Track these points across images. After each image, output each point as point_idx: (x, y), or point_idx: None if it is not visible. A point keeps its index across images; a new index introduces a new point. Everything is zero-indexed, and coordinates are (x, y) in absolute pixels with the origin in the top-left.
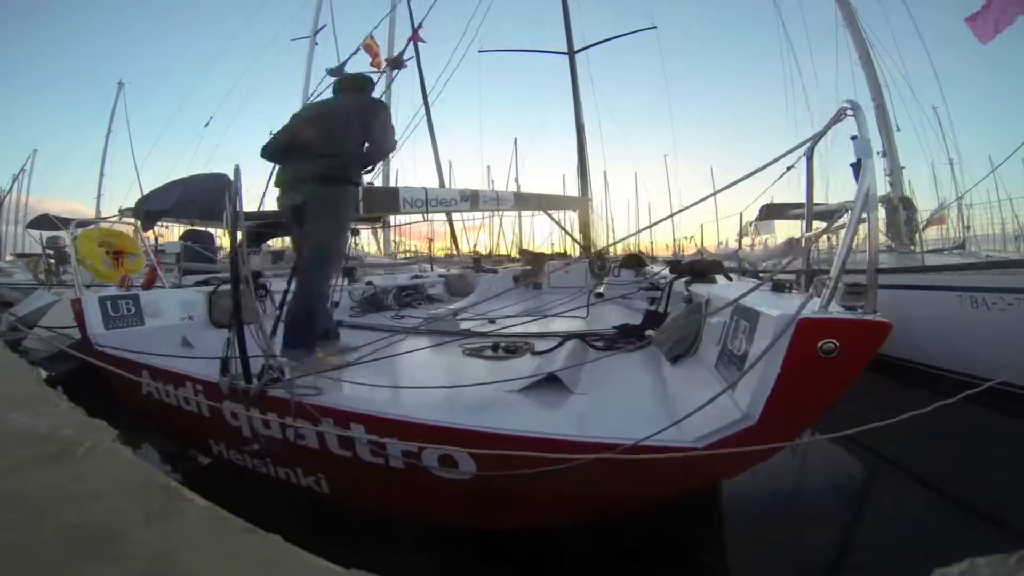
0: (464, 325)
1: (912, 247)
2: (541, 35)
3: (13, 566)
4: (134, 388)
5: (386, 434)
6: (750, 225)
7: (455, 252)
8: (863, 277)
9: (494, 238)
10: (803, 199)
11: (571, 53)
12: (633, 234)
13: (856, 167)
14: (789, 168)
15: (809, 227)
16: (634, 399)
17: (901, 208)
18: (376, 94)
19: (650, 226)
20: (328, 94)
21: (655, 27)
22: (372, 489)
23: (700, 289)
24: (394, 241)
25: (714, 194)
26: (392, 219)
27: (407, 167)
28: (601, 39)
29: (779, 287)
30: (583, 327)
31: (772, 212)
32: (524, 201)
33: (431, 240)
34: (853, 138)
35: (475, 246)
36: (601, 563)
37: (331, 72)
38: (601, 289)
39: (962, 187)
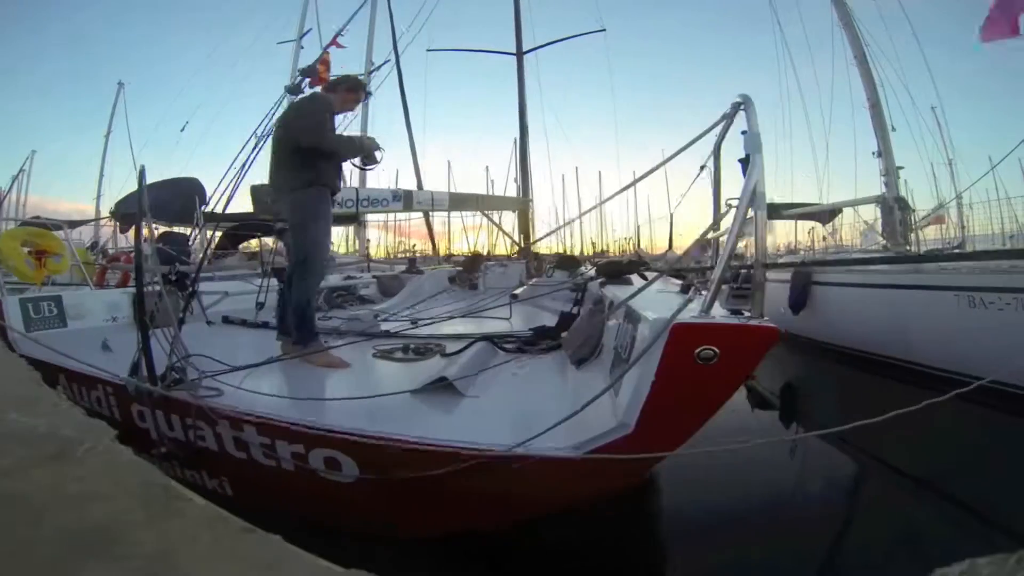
0: (386, 326)
1: (908, 247)
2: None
3: (12, 566)
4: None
5: (276, 436)
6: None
7: (433, 253)
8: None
9: (493, 238)
10: (802, 199)
11: (519, 54)
12: (553, 231)
13: (744, 162)
14: (703, 167)
15: (718, 226)
16: (527, 403)
17: (896, 208)
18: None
19: (568, 223)
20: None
21: (604, 30)
22: (269, 491)
23: (611, 291)
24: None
25: (627, 188)
26: (393, 219)
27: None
28: (549, 40)
29: (687, 288)
30: (505, 328)
31: (769, 212)
32: (461, 202)
33: (368, 241)
34: (743, 132)
35: (475, 245)
36: (584, 561)
37: (289, 89)
38: (518, 291)
39: (960, 187)
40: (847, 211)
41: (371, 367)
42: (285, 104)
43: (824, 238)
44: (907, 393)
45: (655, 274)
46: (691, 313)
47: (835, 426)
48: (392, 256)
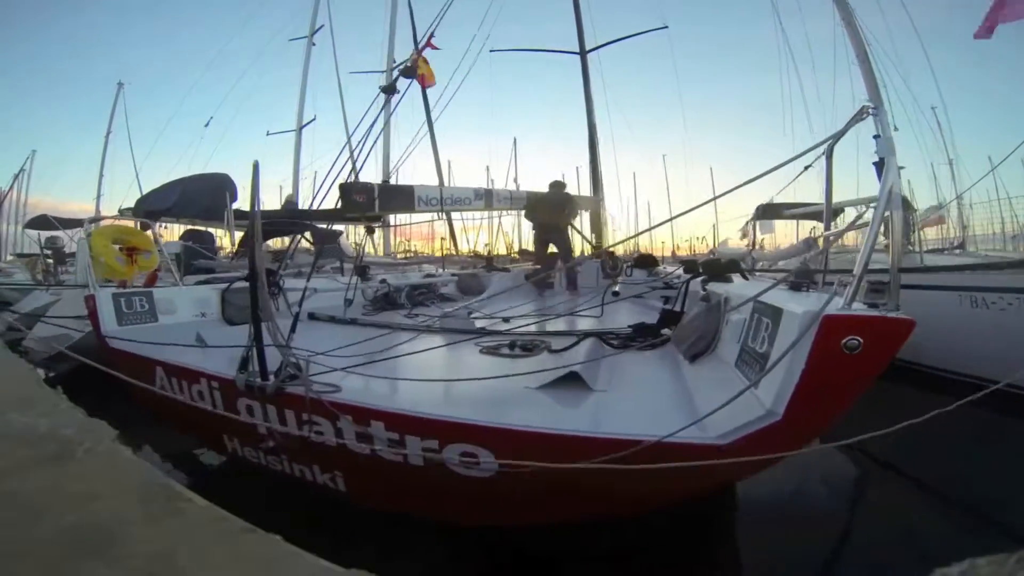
0: (478, 324)
1: (910, 247)
2: (543, 35)
3: (13, 566)
4: (149, 384)
5: (406, 431)
6: (747, 225)
7: (454, 252)
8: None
9: (494, 238)
10: (799, 199)
11: (583, 53)
12: (640, 232)
13: (879, 166)
14: (807, 167)
15: (828, 226)
16: (655, 397)
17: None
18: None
19: (655, 226)
20: (328, 99)
21: (666, 27)
22: (390, 487)
23: (717, 288)
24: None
25: (716, 197)
26: (392, 219)
27: (405, 168)
28: (613, 39)
29: (796, 286)
30: (598, 326)
31: (768, 212)
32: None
33: (443, 239)
34: (876, 137)
35: (475, 246)
36: (596, 562)
37: (384, 89)
38: (617, 288)
39: (961, 187)
40: (848, 211)
41: (480, 363)
42: (380, 102)
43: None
44: (909, 394)
45: (753, 273)
46: (834, 307)
47: (844, 431)
48: (393, 256)
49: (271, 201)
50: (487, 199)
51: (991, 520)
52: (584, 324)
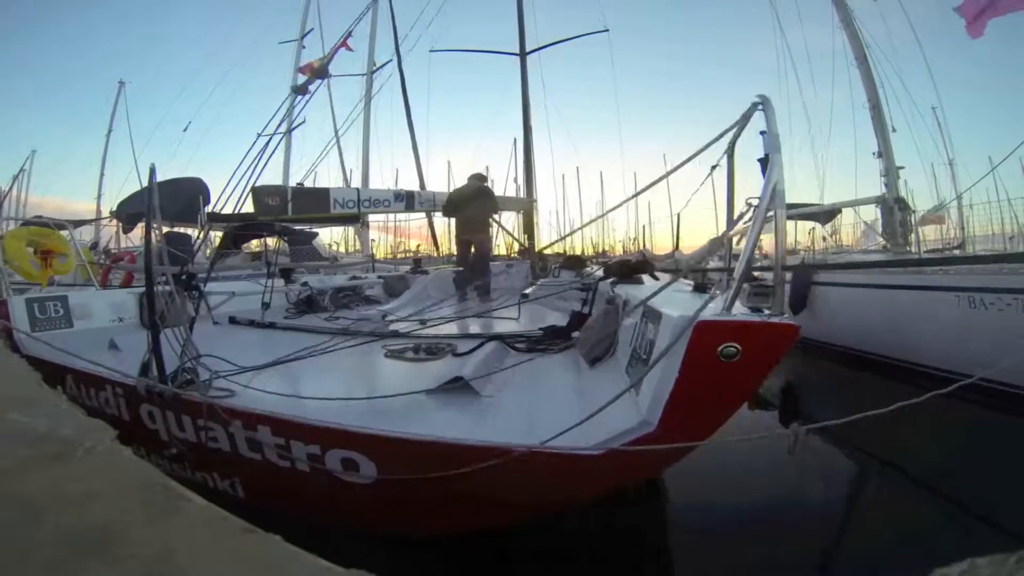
0: (395, 326)
1: (908, 248)
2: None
3: (13, 566)
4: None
5: (291, 436)
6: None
7: (436, 253)
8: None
9: (493, 238)
10: (798, 199)
11: (523, 54)
12: (567, 234)
13: (763, 162)
14: (714, 167)
15: (731, 225)
16: (543, 402)
17: (896, 209)
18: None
19: (580, 228)
20: (317, 101)
21: (607, 30)
22: (283, 492)
23: (623, 290)
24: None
25: (635, 195)
26: (393, 219)
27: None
28: (553, 41)
29: (701, 288)
30: (514, 328)
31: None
32: None
33: (373, 241)
34: (762, 133)
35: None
36: (580, 560)
37: (295, 90)
38: (528, 291)
39: (960, 187)
40: (847, 211)
41: (383, 367)
42: (288, 104)
43: (824, 238)
44: (908, 393)
45: (664, 274)
46: (713, 311)
47: (841, 427)
48: (392, 256)
49: (248, 204)
50: (408, 201)
51: (991, 520)
52: (500, 327)
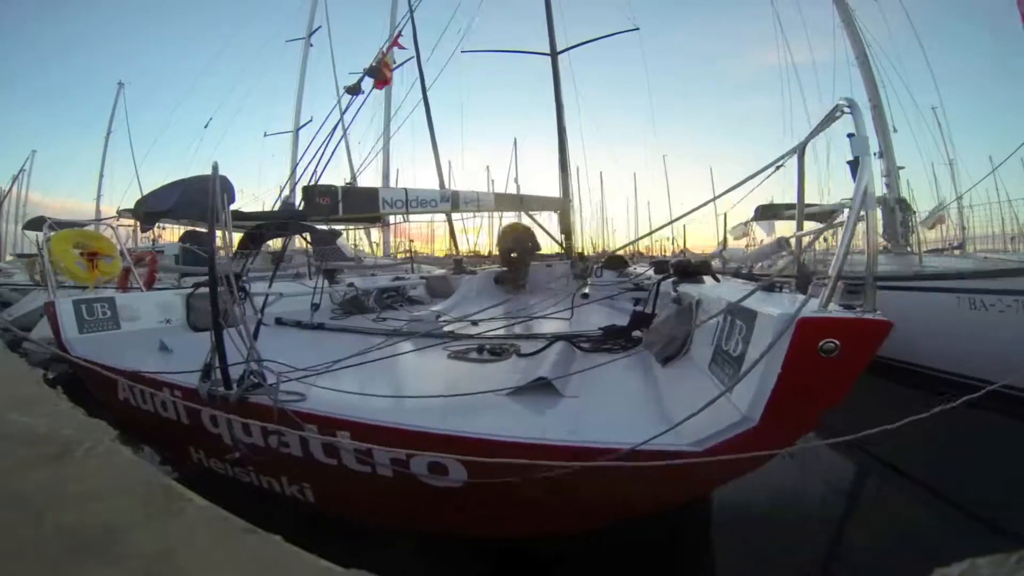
0: (447, 327)
1: (909, 248)
2: (529, 36)
3: (13, 566)
4: (111, 394)
5: (373, 441)
6: (744, 225)
7: (455, 252)
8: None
9: (493, 238)
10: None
11: (553, 54)
12: (632, 241)
13: (853, 165)
14: (778, 167)
15: (800, 227)
16: (627, 402)
17: (898, 210)
18: (370, 101)
19: (651, 232)
20: (325, 100)
21: (637, 28)
22: (359, 498)
23: (689, 289)
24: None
25: (708, 201)
26: (392, 219)
27: (406, 167)
28: (583, 40)
29: (770, 288)
30: (568, 328)
31: (767, 212)
32: (505, 202)
33: (411, 241)
34: (850, 135)
35: (475, 246)
36: (597, 567)
37: (349, 90)
38: (587, 290)
39: (961, 188)
40: (846, 211)
41: (448, 368)
42: (344, 102)
43: (824, 239)
44: (907, 395)
45: (725, 276)
46: (810, 309)
47: (842, 429)
48: (393, 256)
49: (268, 202)
50: (454, 201)
51: (991, 520)
52: (553, 327)
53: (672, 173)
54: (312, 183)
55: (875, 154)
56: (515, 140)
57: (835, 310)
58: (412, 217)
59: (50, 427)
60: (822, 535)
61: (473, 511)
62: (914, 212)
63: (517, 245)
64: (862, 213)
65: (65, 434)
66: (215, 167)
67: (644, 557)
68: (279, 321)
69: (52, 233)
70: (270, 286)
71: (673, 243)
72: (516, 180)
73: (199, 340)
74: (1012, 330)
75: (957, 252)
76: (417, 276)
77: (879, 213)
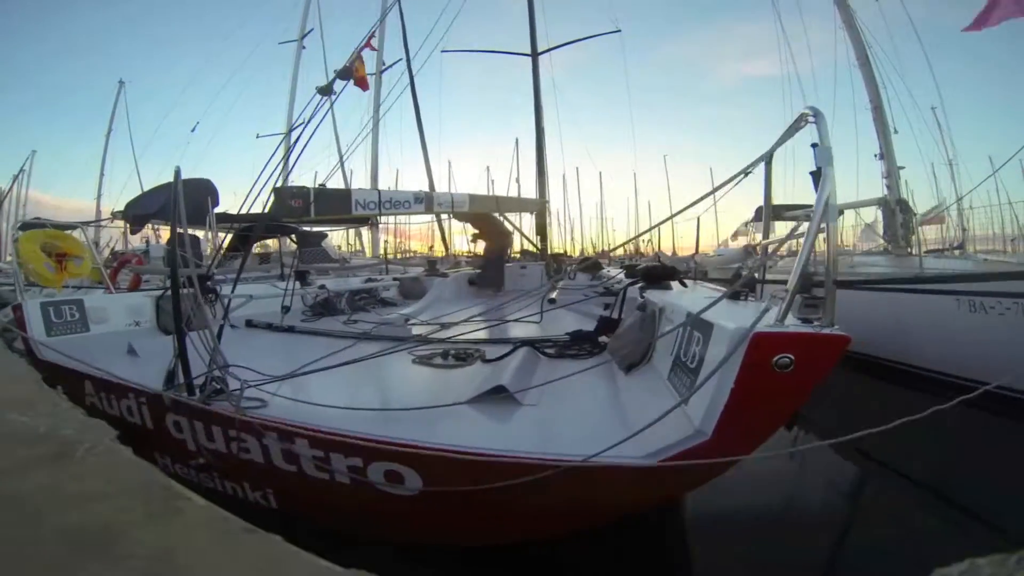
0: (416, 330)
1: (909, 249)
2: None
3: (13, 566)
4: (79, 397)
5: (331, 449)
6: (745, 226)
7: (446, 253)
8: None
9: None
10: (803, 201)
11: (534, 55)
12: (628, 240)
13: (816, 175)
14: (748, 173)
15: (767, 234)
16: (586, 411)
17: (898, 211)
18: (361, 104)
19: (645, 231)
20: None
21: (619, 31)
22: (320, 504)
23: (654, 296)
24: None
25: (679, 211)
26: (381, 220)
27: (406, 168)
28: (565, 41)
29: (735, 295)
30: (537, 333)
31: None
32: (480, 203)
33: (385, 241)
34: (813, 146)
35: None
36: (594, 570)
37: (320, 90)
38: (554, 295)
39: (960, 188)
40: (848, 213)
41: (412, 374)
42: (316, 103)
43: (825, 240)
44: (906, 396)
45: (691, 281)
46: (766, 323)
47: (839, 430)
48: (383, 257)
49: (259, 204)
50: (427, 203)
51: (991, 520)
52: (522, 331)
53: (678, 173)
54: (281, 184)
55: (876, 155)
56: (516, 140)
57: (792, 324)
58: (413, 218)
59: (50, 427)
60: (822, 536)
61: (428, 519)
62: (915, 214)
63: (497, 240)
64: (823, 224)
65: (65, 434)
66: (177, 171)
67: (640, 558)
68: (249, 323)
69: (20, 233)
70: (233, 289)
71: (649, 244)
72: (517, 180)
73: (168, 343)
74: (1009, 332)
75: (957, 252)
76: (390, 278)
77: (880, 215)
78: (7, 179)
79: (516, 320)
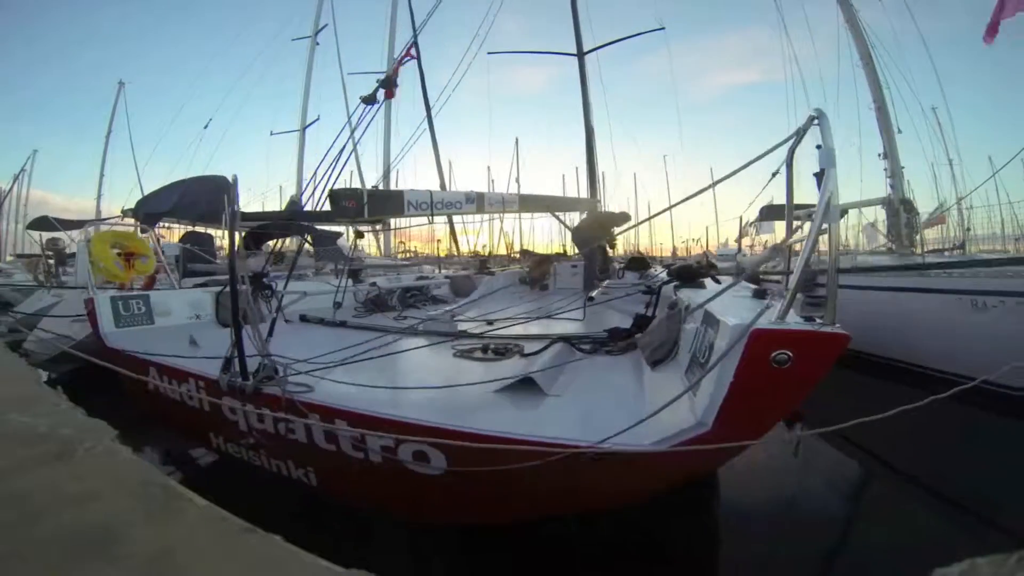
0: (463, 326)
1: (912, 249)
2: (543, 37)
3: (13, 566)
4: (141, 384)
5: (366, 429)
6: (749, 226)
7: (456, 253)
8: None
9: (494, 239)
10: (806, 200)
11: (580, 54)
12: (625, 229)
13: (819, 176)
14: (775, 174)
15: (791, 232)
16: (606, 402)
17: (902, 210)
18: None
19: (644, 220)
20: (332, 98)
21: (663, 28)
22: (355, 482)
23: (685, 294)
24: (400, 243)
25: (684, 200)
26: (393, 221)
27: (407, 168)
28: (610, 40)
29: (760, 294)
30: (578, 329)
31: (771, 213)
32: (530, 203)
33: (438, 241)
34: (818, 147)
35: (475, 247)
36: (597, 567)
37: (364, 99)
38: (594, 293)
39: (962, 187)
40: (852, 213)
41: (452, 366)
42: (360, 111)
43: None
44: (907, 394)
45: (727, 279)
46: (768, 319)
47: (836, 422)
48: (393, 257)
49: (273, 201)
50: (479, 202)
51: (991, 520)
52: (563, 327)
53: (691, 173)
54: (332, 187)
55: (879, 155)
56: (516, 140)
57: (793, 321)
58: (414, 220)
59: (50, 427)
60: (822, 535)
61: (451, 498)
62: (918, 213)
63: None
64: (824, 225)
65: (65, 434)
66: (235, 178)
67: (642, 555)
68: (303, 318)
69: (92, 232)
70: (285, 286)
71: (698, 243)
72: (517, 180)
73: (226, 335)
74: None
75: (958, 252)
76: (442, 275)
77: (883, 214)
78: (7, 179)
79: (559, 317)
